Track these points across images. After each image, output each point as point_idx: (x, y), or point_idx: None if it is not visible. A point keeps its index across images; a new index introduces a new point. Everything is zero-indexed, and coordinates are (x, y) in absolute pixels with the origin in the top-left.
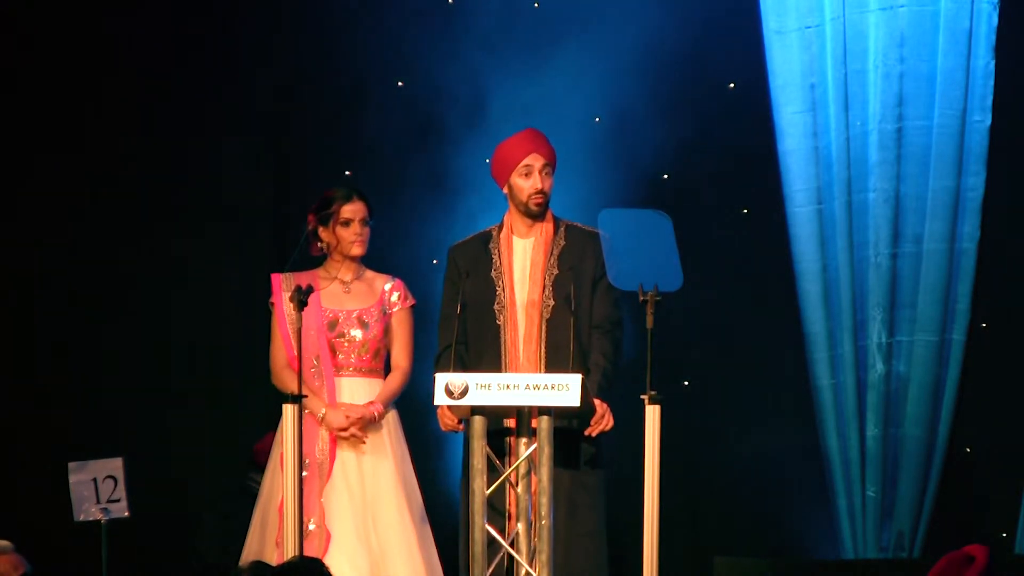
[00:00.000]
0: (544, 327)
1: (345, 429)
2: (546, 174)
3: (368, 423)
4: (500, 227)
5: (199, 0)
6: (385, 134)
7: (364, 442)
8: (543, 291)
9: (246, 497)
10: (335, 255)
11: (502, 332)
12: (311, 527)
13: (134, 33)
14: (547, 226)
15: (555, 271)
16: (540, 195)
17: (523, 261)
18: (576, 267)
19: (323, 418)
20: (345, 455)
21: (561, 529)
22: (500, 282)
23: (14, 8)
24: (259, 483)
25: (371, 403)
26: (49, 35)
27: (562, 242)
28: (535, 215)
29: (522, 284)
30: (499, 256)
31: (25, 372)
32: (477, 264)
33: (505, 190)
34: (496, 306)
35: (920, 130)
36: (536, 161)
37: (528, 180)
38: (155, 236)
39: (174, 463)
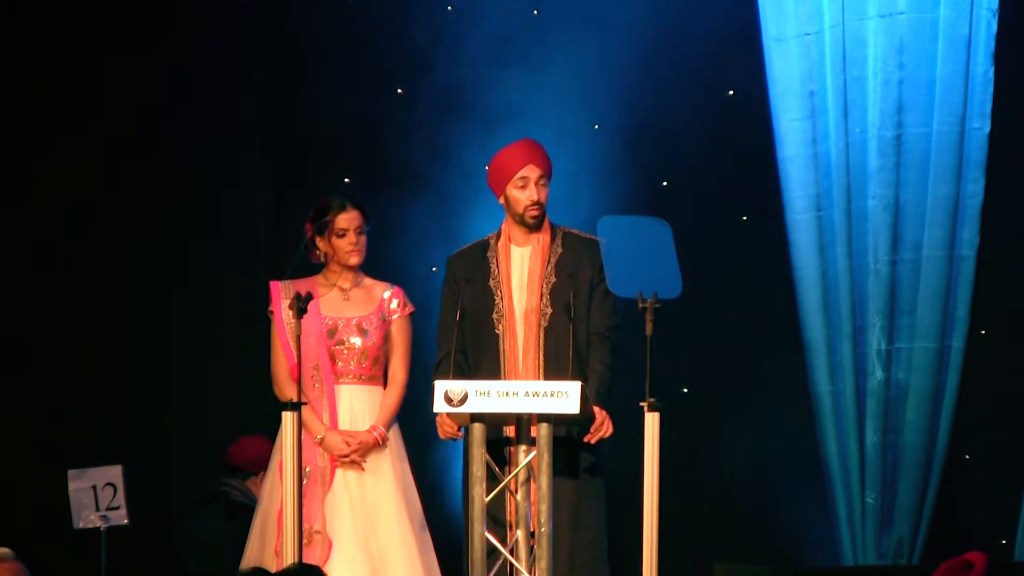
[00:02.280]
0: (542, 335)
1: (346, 456)
2: (542, 185)
3: (370, 449)
4: (498, 236)
5: (199, 2)
6: (384, 140)
7: (363, 469)
8: (541, 299)
9: (221, 503)
10: (333, 264)
11: (501, 341)
12: (315, 534)
13: (134, 36)
14: (544, 234)
15: (552, 279)
16: (536, 207)
17: (521, 270)
18: (574, 274)
19: (321, 441)
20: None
21: (564, 539)
22: (498, 291)
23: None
24: (233, 487)
25: (373, 427)
26: (49, 36)
27: (559, 249)
28: (531, 226)
29: (520, 292)
30: (497, 265)
31: (25, 378)
32: (475, 273)
33: (501, 200)
34: (495, 315)
35: (919, 137)
36: (532, 173)
37: (524, 192)
38: (154, 241)
39: (173, 470)
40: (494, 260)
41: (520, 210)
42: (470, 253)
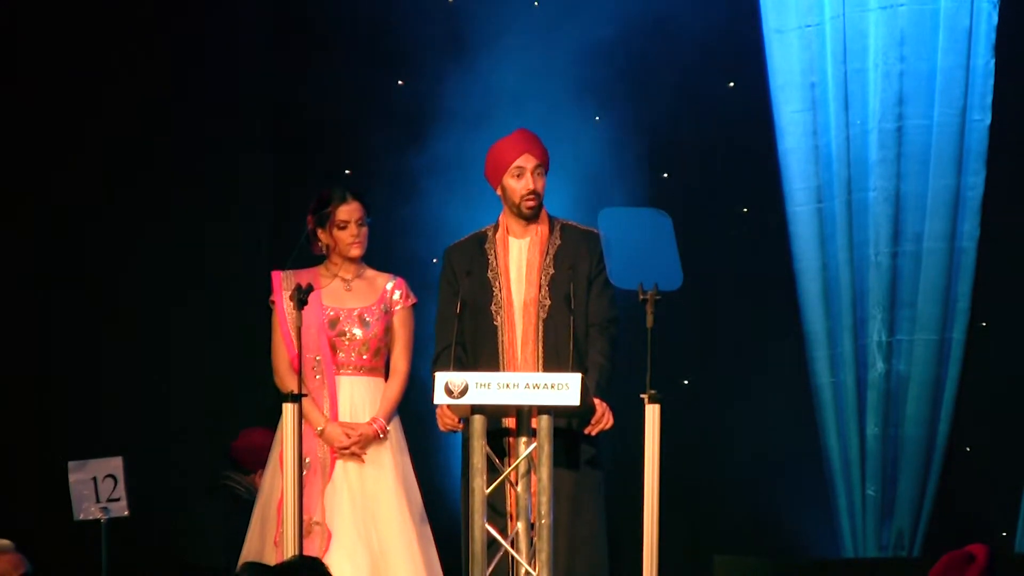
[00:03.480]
0: (541, 327)
1: (346, 448)
2: (538, 175)
3: (370, 441)
4: (495, 227)
5: (200, 2)
6: (385, 132)
7: (363, 461)
8: (539, 291)
9: (224, 496)
10: (334, 255)
11: (499, 333)
12: (314, 525)
13: (134, 37)
14: (542, 226)
15: (551, 271)
16: (532, 196)
17: (519, 261)
18: (574, 266)
19: (321, 433)
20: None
21: (563, 531)
22: (497, 283)
23: (14, 5)
24: (237, 482)
25: (374, 420)
26: (48, 41)
27: (557, 241)
28: (528, 216)
29: (518, 284)
30: (495, 257)
31: (25, 372)
32: (473, 265)
33: (498, 191)
34: (493, 307)
35: (920, 129)
36: (528, 162)
37: (520, 181)
38: (155, 238)
39: (174, 462)
40: (492, 251)
41: (516, 200)
42: (468, 245)
